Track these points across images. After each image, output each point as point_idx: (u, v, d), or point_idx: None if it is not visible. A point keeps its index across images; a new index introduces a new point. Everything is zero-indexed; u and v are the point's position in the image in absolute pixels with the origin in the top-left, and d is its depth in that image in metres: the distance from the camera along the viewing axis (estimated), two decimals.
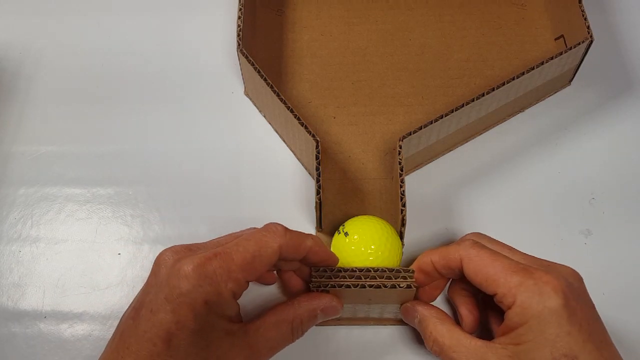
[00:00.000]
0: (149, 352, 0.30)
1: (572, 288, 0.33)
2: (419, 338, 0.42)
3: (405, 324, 0.42)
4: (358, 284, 0.37)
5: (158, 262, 0.33)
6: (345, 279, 0.37)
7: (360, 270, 0.37)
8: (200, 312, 0.30)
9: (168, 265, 0.32)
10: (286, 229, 0.35)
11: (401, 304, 0.39)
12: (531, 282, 0.33)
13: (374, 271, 0.37)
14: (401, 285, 0.37)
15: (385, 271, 0.37)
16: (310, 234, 0.37)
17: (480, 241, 0.37)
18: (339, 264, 0.41)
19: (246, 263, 0.32)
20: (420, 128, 0.43)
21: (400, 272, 0.37)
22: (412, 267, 0.39)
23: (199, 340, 0.30)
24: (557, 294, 0.32)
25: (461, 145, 0.49)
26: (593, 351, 0.31)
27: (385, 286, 0.37)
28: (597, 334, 0.33)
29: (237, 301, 0.34)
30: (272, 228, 0.35)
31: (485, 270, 0.35)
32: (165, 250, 0.34)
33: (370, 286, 0.37)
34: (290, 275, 0.39)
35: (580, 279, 0.35)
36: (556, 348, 0.31)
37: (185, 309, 0.30)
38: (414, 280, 0.37)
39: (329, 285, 0.37)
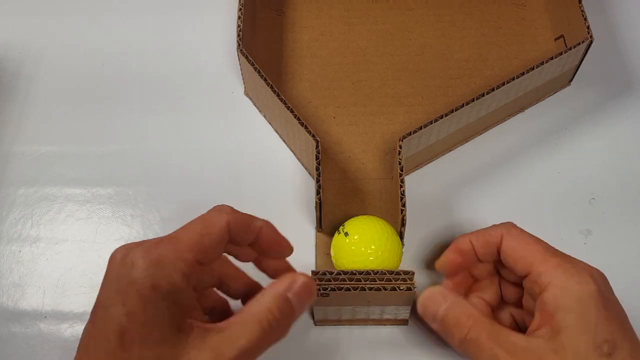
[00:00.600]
0: (105, 350, 0.28)
1: (604, 279, 0.34)
2: (419, 338, 0.42)
3: (405, 324, 0.42)
4: (358, 287, 0.37)
5: (110, 260, 0.32)
6: (345, 282, 0.37)
7: (360, 272, 0.37)
8: (150, 299, 0.29)
9: (117, 260, 0.31)
10: (233, 209, 0.34)
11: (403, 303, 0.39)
12: (569, 266, 0.33)
13: (374, 274, 0.37)
14: (401, 288, 0.37)
15: (385, 274, 0.37)
16: (262, 218, 0.35)
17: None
18: (339, 264, 0.41)
19: (194, 242, 0.31)
20: (420, 128, 0.43)
21: (400, 274, 0.37)
22: (449, 250, 0.38)
23: (151, 334, 0.28)
24: (594, 280, 0.32)
25: (461, 145, 0.49)
26: (628, 341, 0.31)
27: (385, 289, 0.37)
28: (629, 325, 0.33)
29: (202, 309, 0.32)
30: (219, 207, 0.33)
31: (525, 247, 0.35)
32: (117, 248, 0.32)
33: (370, 289, 0.37)
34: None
35: (606, 278, 0.35)
36: (598, 334, 0.31)
37: (134, 298, 0.29)
38: (413, 282, 0.37)
39: (329, 288, 0.37)
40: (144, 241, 0.32)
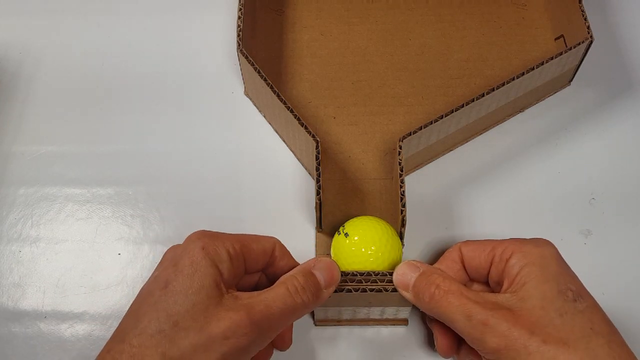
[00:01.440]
0: (147, 301, 0.32)
1: (557, 250, 0.36)
2: (419, 338, 0.42)
3: (405, 324, 0.42)
4: (359, 288, 0.37)
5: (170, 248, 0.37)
6: (347, 283, 0.37)
7: (361, 274, 0.37)
8: (196, 257, 0.33)
9: (174, 247, 0.36)
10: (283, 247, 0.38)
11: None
12: (526, 239, 0.36)
13: (375, 275, 0.37)
14: (401, 293, 0.37)
15: (386, 275, 0.37)
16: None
17: None
18: (339, 265, 0.41)
19: (244, 239, 0.36)
20: (420, 128, 0.43)
21: None
22: (436, 330, 0.38)
23: (191, 283, 0.32)
24: (550, 244, 0.36)
25: (461, 145, 0.49)
26: (589, 294, 0.34)
27: (387, 290, 0.37)
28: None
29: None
30: (270, 236, 0.38)
31: (482, 243, 0.38)
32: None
33: (372, 290, 0.37)
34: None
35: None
36: (561, 282, 0.33)
37: (185, 258, 0.33)
38: None
39: None
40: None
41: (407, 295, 0.36)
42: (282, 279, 0.35)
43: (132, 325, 0.31)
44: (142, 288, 0.34)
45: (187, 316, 0.31)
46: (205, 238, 0.34)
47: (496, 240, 0.37)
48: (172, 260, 0.34)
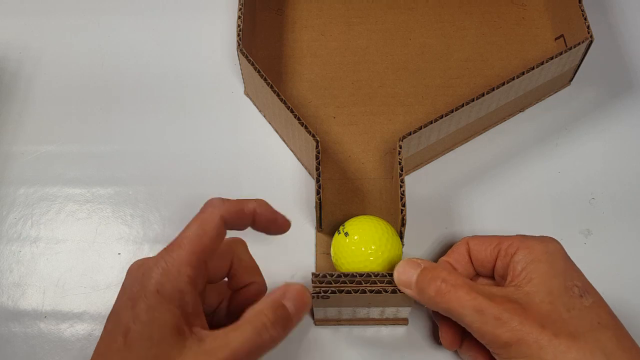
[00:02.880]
0: (112, 349, 0.30)
1: (562, 246, 0.37)
2: (419, 338, 0.42)
3: (405, 324, 0.42)
4: (359, 289, 0.37)
5: (127, 272, 0.33)
6: (346, 284, 0.37)
7: (361, 275, 0.37)
8: (152, 303, 0.30)
9: (133, 271, 0.33)
10: (223, 200, 0.35)
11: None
12: (533, 236, 0.37)
13: (375, 276, 0.37)
14: (402, 291, 0.37)
15: (385, 276, 0.37)
16: (254, 199, 0.35)
17: None
18: (339, 265, 0.41)
19: (194, 245, 0.32)
20: (420, 128, 0.43)
21: None
22: (441, 325, 0.39)
23: (152, 335, 0.30)
24: (556, 241, 0.36)
25: (461, 145, 0.49)
26: (595, 290, 0.34)
27: (386, 291, 0.37)
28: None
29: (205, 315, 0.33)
30: (209, 203, 0.35)
31: (488, 238, 0.38)
32: (135, 261, 0.34)
33: (371, 291, 0.37)
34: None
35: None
36: (568, 278, 0.34)
37: (142, 302, 0.31)
38: None
39: (330, 291, 0.37)
40: (158, 254, 0.33)
41: (410, 292, 0.36)
42: (248, 315, 0.32)
43: None
44: (107, 320, 0.32)
45: None
46: (158, 274, 0.31)
47: (502, 236, 0.38)
48: (130, 297, 0.31)
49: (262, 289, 0.37)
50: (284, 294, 0.33)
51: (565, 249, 0.36)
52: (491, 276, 0.39)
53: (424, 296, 0.35)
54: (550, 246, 0.36)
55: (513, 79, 0.45)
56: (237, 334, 0.31)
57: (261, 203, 0.35)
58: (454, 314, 0.34)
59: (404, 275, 0.37)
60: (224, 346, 0.30)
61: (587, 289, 0.34)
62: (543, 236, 0.37)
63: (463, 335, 0.38)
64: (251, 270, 0.36)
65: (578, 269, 0.35)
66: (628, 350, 0.32)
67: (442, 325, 0.38)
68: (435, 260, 0.41)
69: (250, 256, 0.37)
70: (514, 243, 0.36)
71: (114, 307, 0.33)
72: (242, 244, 0.37)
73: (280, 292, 0.33)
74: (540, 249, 0.35)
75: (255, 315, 0.32)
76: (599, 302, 0.34)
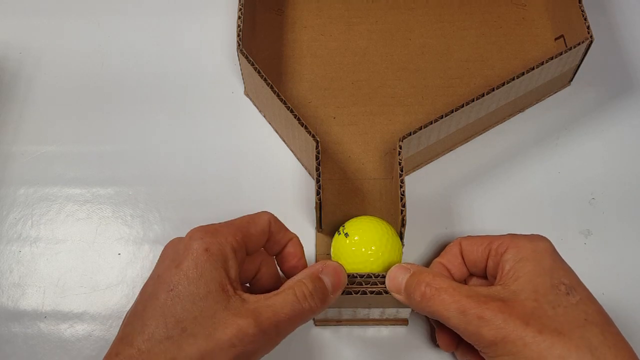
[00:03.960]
0: (152, 305, 0.32)
1: (552, 244, 0.37)
2: (419, 338, 0.42)
3: (405, 324, 0.42)
4: (359, 290, 0.37)
5: (165, 248, 0.36)
6: (346, 285, 0.37)
7: (361, 276, 0.37)
8: (200, 260, 0.32)
9: (173, 243, 0.36)
10: (274, 216, 0.38)
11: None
12: (523, 235, 0.37)
13: (375, 277, 0.37)
14: (394, 296, 0.37)
15: (385, 277, 0.37)
16: (294, 234, 0.39)
17: None
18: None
19: (243, 226, 0.35)
20: (420, 128, 0.43)
21: None
22: (442, 330, 0.39)
23: (198, 290, 0.32)
24: (545, 239, 0.36)
25: (461, 145, 0.49)
26: (583, 287, 0.34)
27: (386, 292, 0.37)
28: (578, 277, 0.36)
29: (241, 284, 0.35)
30: (263, 211, 0.38)
31: (480, 238, 0.38)
32: (170, 241, 0.36)
33: (372, 292, 0.37)
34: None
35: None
36: (554, 276, 0.34)
37: (189, 260, 0.33)
38: None
39: None
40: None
41: (400, 297, 0.37)
42: (289, 283, 0.34)
43: (140, 329, 0.31)
44: (144, 287, 0.34)
45: (195, 323, 0.31)
46: (208, 237, 0.33)
47: (494, 235, 0.38)
48: (174, 259, 0.33)
49: (299, 242, 0.39)
50: (322, 269, 0.35)
51: (555, 247, 0.36)
52: (484, 276, 0.39)
53: (411, 301, 0.36)
54: (539, 244, 0.36)
55: (513, 79, 0.45)
56: (279, 298, 0.33)
57: (297, 238, 0.39)
58: (441, 317, 0.34)
59: (394, 280, 0.37)
60: (267, 307, 0.32)
61: (574, 286, 0.34)
62: (533, 234, 0.37)
63: (459, 338, 0.38)
64: (284, 230, 0.38)
65: (567, 266, 0.35)
66: (614, 346, 0.32)
67: (438, 327, 0.39)
68: (434, 258, 0.41)
69: (277, 219, 0.38)
70: (504, 242, 0.36)
71: (152, 275, 0.34)
72: (268, 213, 0.38)
73: (319, 266, 0.36)
74: (529, 247, 0.35)
75: (296, 283, 0.34)
76: (587, 299, 0.34)
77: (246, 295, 0.33)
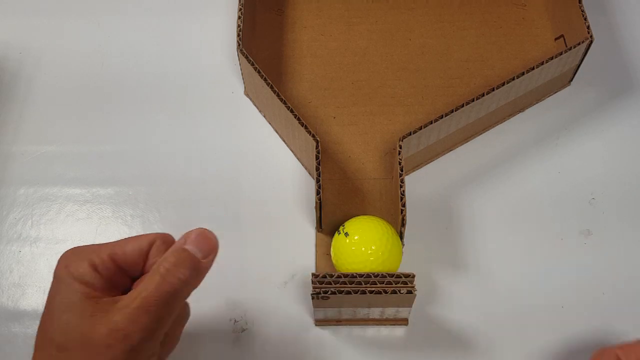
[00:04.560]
0: (40, 336, 0.33)
1: None
2: (419, 338, 0.42)
3: (405, 324, 0.42)
4: (358, 290, 0.37)
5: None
6: (346, 285, 0.37)
7: (361, 275, 0.37)
8: (61, 276, 0.33)
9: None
10: (173, 239, 0.36)
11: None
12: None
13: (374, 277, 0.37)
14: (402, 291, 0.37)
15: (385, 277, 0.37)
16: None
17: None
18: (339, 265, 0.41)
19: (119, 243, 0.35)
20: (420, 128, 0.43)
21: (401, 277, 0.37)
22: None
23: (59, 303, 0.33)
24: None
25: (461, 145, 0.49)
26: None
27: (386, 292, 0.37)
28: None
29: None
30: (156, 233, 0.36)
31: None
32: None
33: (371, 292, 0.37)
34: None
35: None
36: None
37: (53, 280, 0.34)
38: (414, 285, 0.37)
39: (330, 292, 0.37)
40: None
41: None
42: (154, 266, 0.33)
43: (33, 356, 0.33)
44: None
45: (68, 338, 0.31)
46: (70, 256, 0.34)
47: None
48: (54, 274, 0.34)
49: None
50: (185, 240, 0.34)
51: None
52: None
53: None
54: None
55: (513, 79, 0.45)
56: (145, 284, 0.32)
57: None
58: None
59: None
60: (135, 297, 0.32)
61: None
62: None
63: None
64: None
65: None
66: None
67: None
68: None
69: (169, 245, 0.35)
70: None
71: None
72: (162, 236, 0.36)
73: (182, 239, 0.34)
74: None
75: (160, 263, 0.33)
76: None
77: (119, 297, 0.32)
